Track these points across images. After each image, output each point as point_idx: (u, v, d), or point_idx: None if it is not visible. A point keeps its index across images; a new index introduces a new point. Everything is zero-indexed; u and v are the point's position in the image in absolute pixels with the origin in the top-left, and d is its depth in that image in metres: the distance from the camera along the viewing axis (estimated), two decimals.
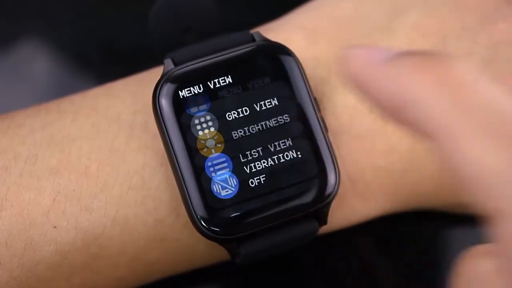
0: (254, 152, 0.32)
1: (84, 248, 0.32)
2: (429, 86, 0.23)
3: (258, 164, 0.31)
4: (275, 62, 0.32)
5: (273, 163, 0.31)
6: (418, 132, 0.23)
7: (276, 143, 0.32)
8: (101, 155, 0.32)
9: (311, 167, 0.32)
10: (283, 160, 0.32)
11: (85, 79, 0.43)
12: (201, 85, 0.32)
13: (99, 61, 0.44)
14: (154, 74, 0.34)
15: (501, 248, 0.22)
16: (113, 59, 0.44)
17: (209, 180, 0.31)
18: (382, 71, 0.24)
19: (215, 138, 0.31)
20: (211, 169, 0.31)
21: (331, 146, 0.32)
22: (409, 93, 0.23)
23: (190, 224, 0.31)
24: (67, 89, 0.38)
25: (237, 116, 0.32)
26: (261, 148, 0.32)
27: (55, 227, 0.31)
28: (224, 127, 0.31)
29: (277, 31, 0.35)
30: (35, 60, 0.44)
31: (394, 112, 0.24)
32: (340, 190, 0.32)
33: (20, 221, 0.31)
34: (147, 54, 0.36)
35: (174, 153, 0.31)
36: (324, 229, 0.34)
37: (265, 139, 0.32)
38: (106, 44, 0.45)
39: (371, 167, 0.34)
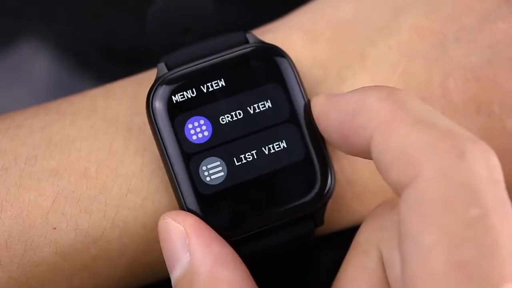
0: (248, 155, 0.32)
1: (84, 250, 0.32)
2: None
3: (253, 167, 0.31)
4: (268, 64, 0.32)
5: (268, 166, 0.32)
6: None
7: (271, 146, 0.32)
8: (100, 157, 0.32)
9: (305, 169, 0.32)
10: (278, 162, 0.32)
11: (85, 79, 0.43)
12: (194, 89, 0.32)
13: (98, 61, 0.44)
14: (152, 76, 0.34)
15: None
16: (113, 59, 0.44)
17: (204, 184, 0.31)
18: None
19: (209, 141, 0.31)
20: (206, 173, 0.31)
21: (326, 148, 0.32)
22: None
23: None
24: (67, 89, 0.38)
25: (231, 120, 0.32)
26: (255, 151, 0.32)
27: (54, 228, 0.32)
28: (218, 131, 0.31)
29: (276, 32, 0.35)
30: (35, 60, 0.44)
31: None
32: (338, 192, 0.32)
33: (20, 222, 0.31)
34: (147, 54, 0.36)
35: (168, 158, 0.31)
36: (323, 231, 0.34)
37: (259, 141, 0.32)
38: (106, 44, 0.45)
39: (368, 168, 0.34)
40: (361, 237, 0.30)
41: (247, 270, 0.29)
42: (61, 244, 0.32)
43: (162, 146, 0.31)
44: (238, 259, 0.29)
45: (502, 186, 0.26)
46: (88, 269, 0.32)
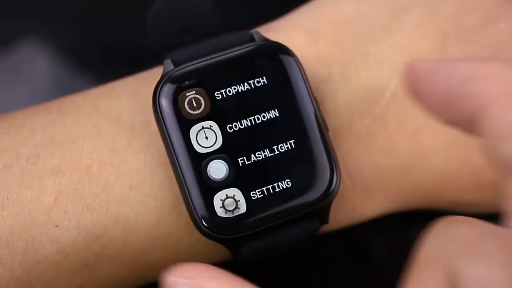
0: (254, 151, 0.32)
1: (86, 248, 0.32)
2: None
3: (259, 165, 0.31)
4: (275, 62, 0.32)
5: (274, 164, 0.32)
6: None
7: (277, 142, 0.32)
8: (103, 155, 0.32)
9: (311, 167, 0.32)
10: (284, 159, 0.32)
11: (85, 79, 0.43)
12: (201, 85, 0.32)
13: (99, 61, 0.44)
14: (155, 74, 0.34)
15: None
16: (113, 59, 0.44)
17: (210, 180, 0.31)
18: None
19: (215, 138, 0.31)
20: (213, 173, 0.31)
21: (332, 146, 0.32)
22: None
23: (191, 223, 0.31)
24: (67, 89, 0.38)
25: (237, 116, 0.32)
26: (261, 147, 0.32)
27: (56, 226, 0.31)
28: (225, 128, 0.32)
29: (278, 31, 0.35)
30: (35, 60, 0.44)
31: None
32: (340, 190, 0.32)
33: (22, 220, 0.31)
34: (147, 54, 0.36)
35: (175, 153, 0.31)
36: (324, 229, 0.34)
37: (265, 138, 0.32)
38: (106, 44, 0.45)
39: (371, 167, 0.34)
40: (422, 255, 0.25)
41: None
42: (62, 242, 0.32)
43: (168, 140, 0.31)
44: None
45: None
46: (90, 267, 0.32)
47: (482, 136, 0.25)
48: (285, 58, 0.33)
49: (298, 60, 0.33)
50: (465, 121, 0.26)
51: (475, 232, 0.24)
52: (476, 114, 0.25)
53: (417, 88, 0.28)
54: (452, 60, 0.27)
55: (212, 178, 0.31)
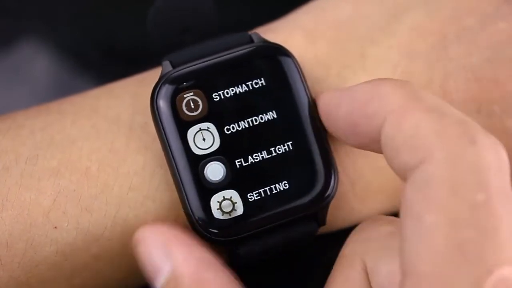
0: (251, 153, 0.32)
1: (85, 249, 0.32)
2: None
3: (256, 167, 0.31)
4: (273, 63, 0.32)
5: (271, 166, 0.32)
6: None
7: (274, 144, 0.32)
8: (101, 156, 0.32)
9: (309, 168, 0.32)
10: (281, 161, 0.32)
11: (85, 79, 0.44)
12: (199, 87, 0.32)
13: (99, 61, 0.44)
14: (155, 75, 0.34)
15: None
16: (113, 59, 0.44)
17: (207, 181, 0.31)
18: None
19: (213, 140, 0.31)
20: (210, 174, 0.31)
21: (329, 147, 0.32)
22: None
23: (189, 225, 0.31)
24: (67, 90, 0.38)
25: (235, 118, 0.32)
26: (259, 149, 0.32)
27: (55, 227, 0.32)
28: (222, 129, 0.32)
29: (277, 32, 0.35)
30: (35, 60, 0.44)
31: None
32: (339, 191, 0.32)
33: (21, 222, 0.31)
34: (147, 54, 0.36)
35: (172, 155, 0.31)
36: (323, 230, 0.34)
37: (263, 140, 0.32)
38: (106, 44, 0.45)
39: (370, 168, 0.34)
40: (346, 250, 0.30)
41: (232, 273, 0.29)
42: (62, 243, 0.32)
43: (166, 142, 0.31)
44: (221, 263, 0.29)
45: (508, 178, 0.26)
46: (89, 268, 0.32)
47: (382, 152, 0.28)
48: (283, 60, 0.33)
49: (297, 61, 0.33)
50: (375, 143, 0.28)
51: (391, 230, 0.29)
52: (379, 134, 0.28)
53: (328, 117, 0.31)
54: (354, 85, 0.29)
55: (209, 180, 0.31)
